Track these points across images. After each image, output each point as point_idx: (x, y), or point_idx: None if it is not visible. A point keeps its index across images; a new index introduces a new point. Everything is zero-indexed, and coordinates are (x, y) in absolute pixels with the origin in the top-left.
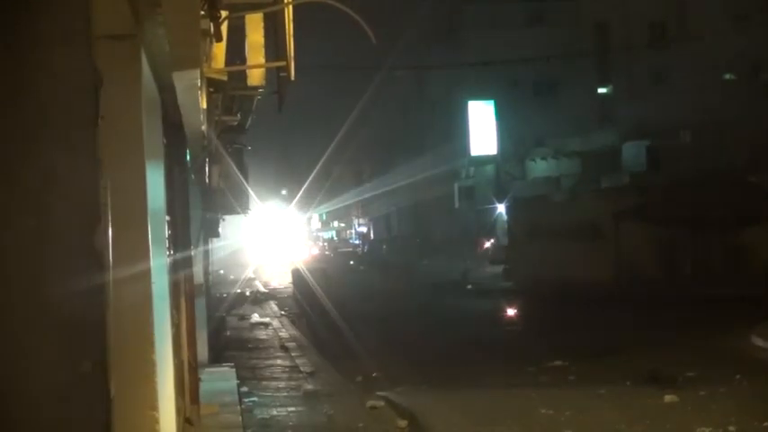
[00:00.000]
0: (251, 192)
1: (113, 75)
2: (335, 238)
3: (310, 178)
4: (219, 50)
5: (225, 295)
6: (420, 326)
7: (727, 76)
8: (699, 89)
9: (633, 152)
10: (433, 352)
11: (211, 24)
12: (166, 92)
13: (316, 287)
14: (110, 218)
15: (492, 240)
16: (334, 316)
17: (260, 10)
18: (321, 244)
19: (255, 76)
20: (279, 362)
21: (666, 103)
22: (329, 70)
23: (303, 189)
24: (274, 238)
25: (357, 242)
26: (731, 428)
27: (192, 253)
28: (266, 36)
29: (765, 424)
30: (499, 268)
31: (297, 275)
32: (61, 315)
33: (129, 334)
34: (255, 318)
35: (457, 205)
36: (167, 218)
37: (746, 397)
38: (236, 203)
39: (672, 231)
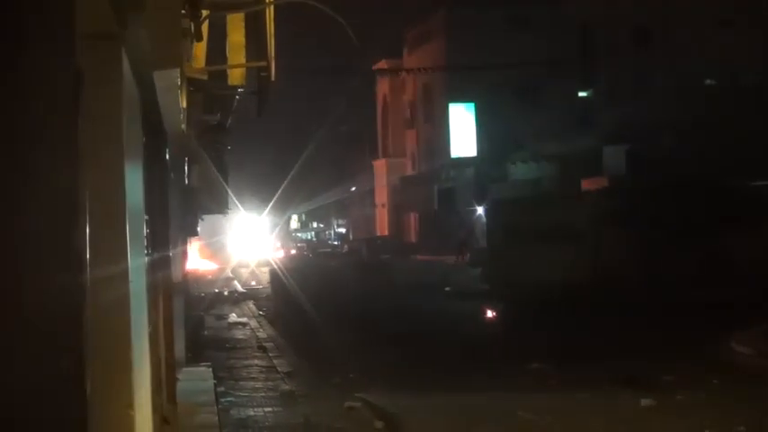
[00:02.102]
0: (230, 191)
1: (94, 73)
2: (314, 239)
3: (288, 178)
4: (200, 50)
5: (203, 295)
6: (398, 328)
7: (709, 81)
8: (680, 94)
9: (613, 156)
10: (411, 354)
11: (192, 24)
12: (147, 91)
13: (293, 288)
14: (88, 216)
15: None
16: (311, 317)
17: (241, 10)
18: (300, 244)
19: (236, 76)
20: (256, 362)
21: (647, 107)
22: (308, 71)
23: (281, 189)
24: (253, 238)
25: (336, 243)
26: None
27: (171, 252)
28: (247, 36)
29: (742, 428)
30: (478, 271)
31: (275, 276)
32: (39, 313)
33: (107, 333)
34: (233, 317)
35: (436, 207)
36: (146, 217)
37: (724, 402)
38: (216, 203)
39: (652, 235)
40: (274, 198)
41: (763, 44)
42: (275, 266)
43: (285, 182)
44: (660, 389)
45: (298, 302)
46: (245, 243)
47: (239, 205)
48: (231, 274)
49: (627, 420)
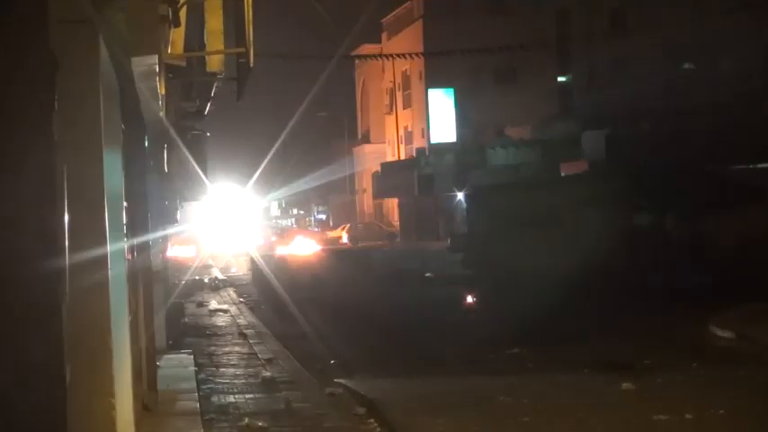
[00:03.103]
0: (209, 178)
1: (71, 60)
2: (295, 226)
3: (264, 163)
4: (178, 36)
5: (183, 282)
6: (379, 314)
7: (686, 66)
8: (658, 78)
9: (592, 140)
10: (391, 340)
11: (169, 9)
12: (125, 77)
13: (273, 275)
14: (66, 203)
15: None
16: (292, 304)
17: None
18: (279, 231)
19: (214, 63)
20: (237, 349)
21: (626, 91)
22: (287, 57)
23: (258, 175)
24: (234, 225)
25: (317, 229)
26: (688, 416)
27: (150, 239)
28: (225, 22)
29: (722, 412)
30: (459, 256)
31: (255, 263)
32: (17, 300)
33: (86, 320)
34: (213, 304)
35: (416, 193)
36: (125, 204)
37: (703, 385)
38: (195, 190)
39: (630, 220)
40: (250, 182)
41: (741, 28)
42: (256, 253)
43: (261, 167)
44: (640, 372)
45: (278, 290)
46: (224, 231)
47: (220, 192)
48: (211, 261)
49: (607, 404)
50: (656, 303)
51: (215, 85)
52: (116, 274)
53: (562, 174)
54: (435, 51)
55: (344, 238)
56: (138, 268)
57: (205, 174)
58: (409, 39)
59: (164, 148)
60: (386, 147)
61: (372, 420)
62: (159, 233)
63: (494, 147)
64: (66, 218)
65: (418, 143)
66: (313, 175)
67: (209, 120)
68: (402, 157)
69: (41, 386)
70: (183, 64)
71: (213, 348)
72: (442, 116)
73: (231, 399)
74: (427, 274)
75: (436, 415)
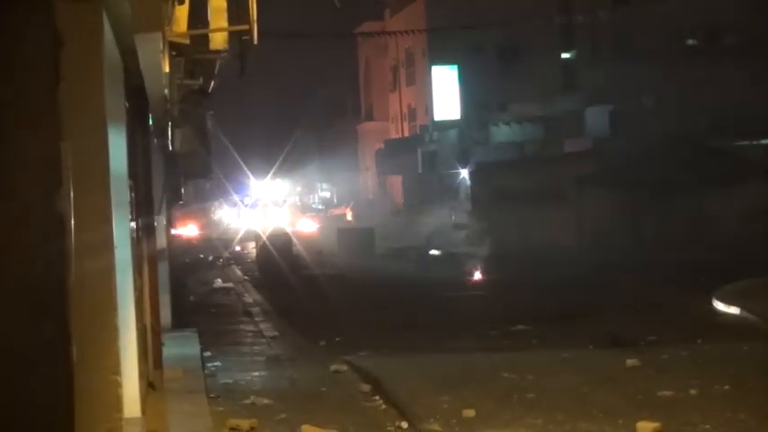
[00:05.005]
0: (215, 159)
1: (74, 37)
2: (298, 203)
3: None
4: (182, 13)
5: (188, 260)
6: (384, 291)
7: (690, 41)
8: (661, 54)
9: (596, 117)
10: (395, 317)
11: None
12: (128, 55)
13: (278, 253)
14: (71, 182)
15: None
16: (296, 281)
17: None
18: (283, 209)
19: (218, 40)
20: (242, 327)
21: (629, 68)
22: (291, 36)
23: (263, 156)
24: (238, 203)
25: (321, 207)
26: (692, 392)
27: (155, 218)
28: None
29: (726, 387)
30: (463, 233)
31: (260, 241)
32: (23, 280)
33: (92, 299)
34: (219, 283)
35: (420, 170)
36: (130, 182)
37: (707, 360)
38: (200, 168)
39: (634, 196)
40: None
41: (743, 3)
42: (260, 232)
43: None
44: (645, 349)
45: (282, 267)
46: (233, 208)
47: (226, 171)
48: (217, 241)
49: (611, 380)
50: (660, 279)
51: (218, 62)
52: (121, 252)
53: (565, 150)
54: (438, 28)
55: (349, 216)
56: (143, 246)
57: (209, 152)
58: (412, 16)
59: (168, 126)
60: (389, 124)
61: (377, 397)
62: (165, 211)
63: (497, 123)
64: (72, 196)
65: (422, 120)
66: (316, 153)
67: (220, 100)
68: (406, 135)
69: (48, 364)
70: (187, 42)
71: (218, 326)
72: (445, 93)
73: (237, 376)
74: (432, 252)
75: (441, 392)
